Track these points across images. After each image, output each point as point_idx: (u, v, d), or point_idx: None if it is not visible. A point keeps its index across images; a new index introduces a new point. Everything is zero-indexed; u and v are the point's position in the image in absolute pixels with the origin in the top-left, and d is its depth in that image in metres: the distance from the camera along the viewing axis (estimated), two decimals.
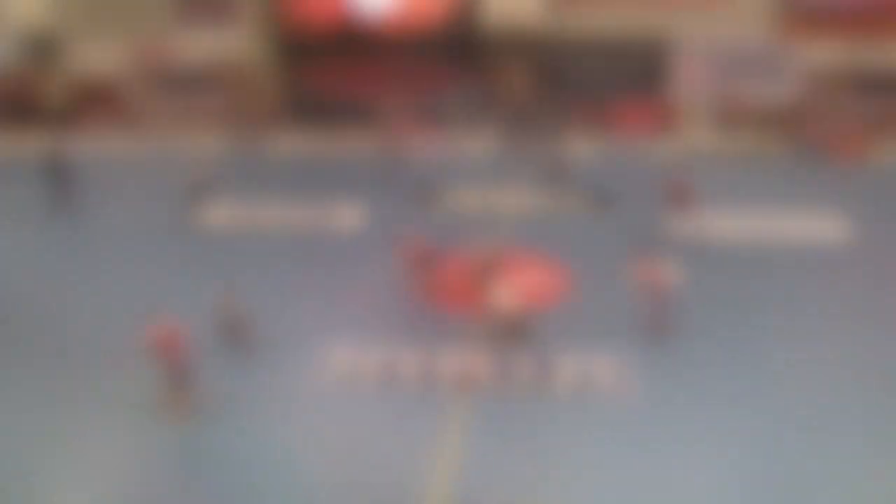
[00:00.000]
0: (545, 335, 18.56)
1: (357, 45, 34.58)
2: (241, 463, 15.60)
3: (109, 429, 16.83)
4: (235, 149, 33.66)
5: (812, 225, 25.08)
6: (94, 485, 15.46)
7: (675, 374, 17.82)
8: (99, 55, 36.23)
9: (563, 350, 18.30)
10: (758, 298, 21.07)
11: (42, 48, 36.97)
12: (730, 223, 25.16)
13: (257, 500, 14.76)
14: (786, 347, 18.86)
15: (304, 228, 26.23)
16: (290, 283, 22.67)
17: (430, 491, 14.36)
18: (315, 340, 19.58)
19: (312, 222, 26.64)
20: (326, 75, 35.24)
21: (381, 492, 14.72)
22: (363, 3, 34.12)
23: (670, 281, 19.39)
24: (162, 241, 25.63)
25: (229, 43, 35.37)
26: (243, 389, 17.91)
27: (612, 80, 33.69)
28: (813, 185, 28.22)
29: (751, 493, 14.68)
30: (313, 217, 26.95)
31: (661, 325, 18.88)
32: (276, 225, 26.57)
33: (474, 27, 33.77)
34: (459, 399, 16.93)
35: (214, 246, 25.61)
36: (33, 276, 23.41)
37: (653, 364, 17.98)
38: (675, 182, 24.06)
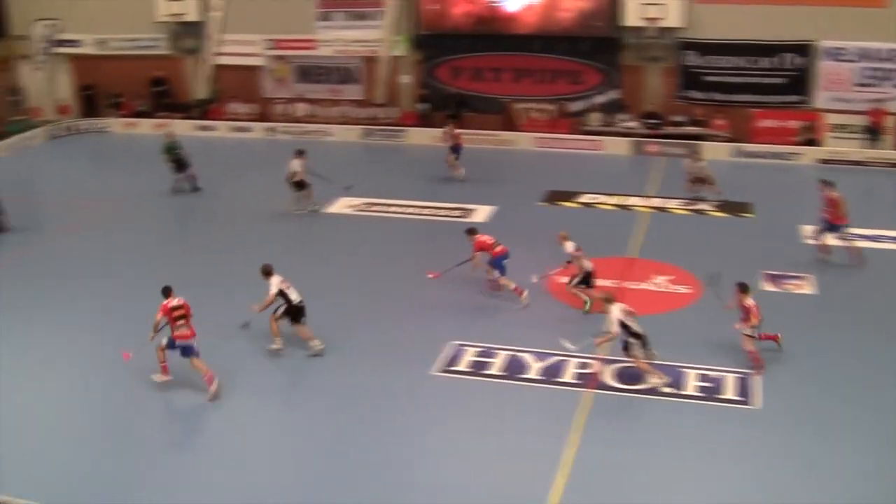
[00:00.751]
0: (672, 341, 18.40)
1: (494, 42, 34.88)
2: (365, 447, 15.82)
3: None
4: (371, 141, 34.47)
5: None
6: None
7: (803, 386, 17.00)
8: (243, 47, 37.45)
9: (689, 357, 18.18)
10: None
11: (190, 38, 38.16)
12: (871, 234, 24.31)
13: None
14: None
15: (435, 221, 26.46)
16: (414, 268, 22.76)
17: (546, 495, 14.34)
18: (438, 331, 19.78)
19: (444, 215, 26.90)
20: (464, 71, 35.63)
21: (499, 490, 14.74)
22: (504, 0, 34.38)
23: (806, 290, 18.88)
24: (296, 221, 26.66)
25: (369, 36, 35.97)
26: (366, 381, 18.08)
27: (754, 84, 33.16)
28: None
29: None
30: (444, 211, 27.19)
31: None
32: (404, 215, 26.99)
33: (614, 26, 33.46)
34: (582, 400, 16.92)
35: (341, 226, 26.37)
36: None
37: (780, 375, 17.73)
38: (822, 190, 23.35)
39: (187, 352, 17.38)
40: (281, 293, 18.40)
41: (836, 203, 22.60)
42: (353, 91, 37.27)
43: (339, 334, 19.46)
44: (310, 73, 37.77)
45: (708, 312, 19.58)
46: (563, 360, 17.97)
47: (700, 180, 27.54)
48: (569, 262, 20.69)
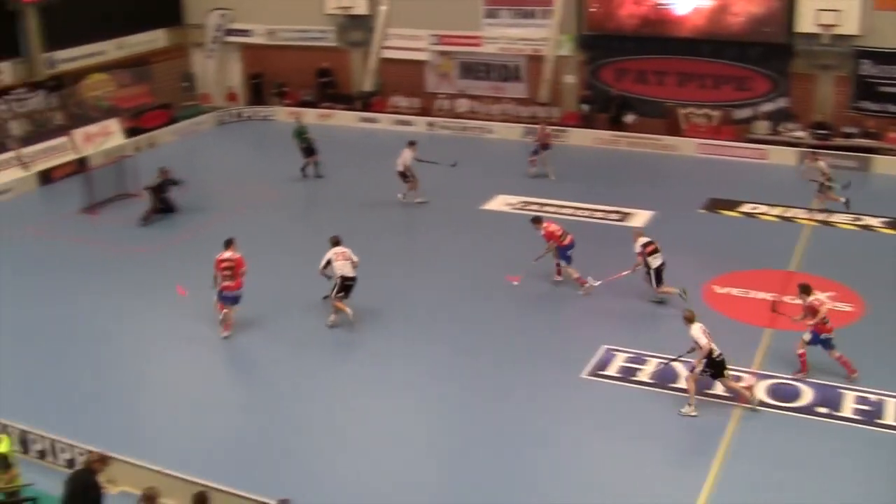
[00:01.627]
0: (831, 361, 17.82)
1: (661, 44, 34.50)
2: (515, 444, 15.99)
3: None
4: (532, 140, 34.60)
5: None
6: None
7: None
8: (408, 42, 38.10)
9: (847, 378, 17.61)
10: None
11: (357, 31, 39.05)
12: None
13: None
14: None
15: (591, 223, 26.32)
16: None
17: None
18: (592, 334, 19.74)
19: (601, 217, 26.77)
20: (628, 73, 35.39)
21: (642, 499, 14.59)
22: (671, 3, 33.95)
23: None
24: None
25: (535, 35, 36.05)
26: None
27: None
28: None
29: None
30: (601, 214, 27.04)
31: None
32: (560, 215, 26.61)
33: (786, 32, 32.50)
34: (733, 415, 16.61)
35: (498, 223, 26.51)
36: None
37: None
38: None
39: (228, 301, 19.43)
40: (328, 263, 19.77)
41: None
42: (515, 89, 37.34)
43: (494, 328, 19.68)
44: (473, 69, 38.01)
45: (871, 332, 18.99)
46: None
47: (820, 186, 26.70)
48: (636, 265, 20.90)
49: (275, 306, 21.12)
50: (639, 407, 16.99)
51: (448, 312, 21.01)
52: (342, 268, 19.68)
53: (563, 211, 27.10)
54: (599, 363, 18.39)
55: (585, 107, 35.49)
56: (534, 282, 22.04)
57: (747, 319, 20.06)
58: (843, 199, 26.35)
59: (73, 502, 12.44)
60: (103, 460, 12.86)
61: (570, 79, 36.17)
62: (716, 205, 27.48)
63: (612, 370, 18.17)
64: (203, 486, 13.14)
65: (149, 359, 19.55)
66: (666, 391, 17.37)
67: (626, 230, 24.97)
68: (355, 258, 19.86)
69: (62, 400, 17.71)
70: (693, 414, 16.55)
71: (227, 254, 19.55)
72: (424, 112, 38.27)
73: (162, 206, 27.27)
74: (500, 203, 28.11)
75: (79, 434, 15.47)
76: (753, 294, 21.39)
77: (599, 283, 20.79)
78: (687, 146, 33.40)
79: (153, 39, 41.12)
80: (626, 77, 35.29)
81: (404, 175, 27.74)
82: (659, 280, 20.72)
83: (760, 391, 17.15)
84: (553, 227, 21.72)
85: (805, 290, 17.69)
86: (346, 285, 19.79)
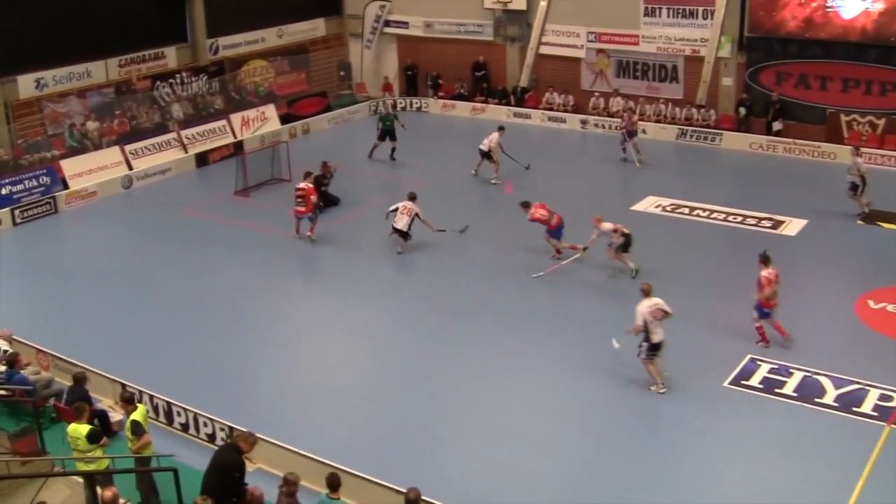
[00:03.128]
0: None
1: (825, 49, 33.51)
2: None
3: None
4: (684, 142, 34.29)
5: None
6: None
7: None
8: (565, 38, 38.04)
9: None
10: None
11: (514, 26, 39.25)
12: None
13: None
14: None
15: (741, 229, 25.87)
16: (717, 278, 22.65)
17: None
18: (738, 342, 19.36)
19: (752, 224, 26.15)
20: (788, 77, 34.52)
21: None
22: (839, 5, 32.84)
23: None
24: None
25: (694, 35, 35.51)
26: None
27: None
28: None
29: None
30: (752, 220, 26.38)
31: None
32: (710, 220, 26.51)
33: None
34: (882, 435, 16.06)
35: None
36: None
37: None
38: None
39: (309, 219, 24.36)
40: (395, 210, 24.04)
41: None
42: (671, 90, 36.79)
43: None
44: (629, 68, 37.58)
45: None
46: (863, 390, 17.14)
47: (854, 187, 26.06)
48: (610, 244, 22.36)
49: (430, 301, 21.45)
50: (779, 420, 16.63)
51: (591, 314, 20.94)
52: (398, 220, 23.01)
53: (714, 216, 26.58)
54: (742, 372, 18.01)
55: (743, 110, 34.69)
56: (682, 286, 21.74)
57: None
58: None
59: (216, 477, 12.82)
60: (250, 441, 13.15)
61: (727, 81, 35.41)
62: (875, 216, 26.48)
63: (754, 380, 17.80)
64: (336, 468, 13.39)
65: (290, 340, 20.16)
66: (810, 406, 16.88)
67: (777, 238, 24.47)
68: (417, 214, 23.31)
69: (206, 375, 18.39)
70: (661, 391, 17.31)
71: (302, 184, 24.10)
72: (577, 110, 38.03)
73: (322, 200, 26.83)
74: (649, 204, 27.76)
75: (218, 408, 16.06)
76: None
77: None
78: (848, 155, 32.18)
79: (312, 28, 42.20)
80: (786, 81, 34.33)
81: (489, 155, 29.59)
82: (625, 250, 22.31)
83: None
84: (540, 213, 23.03)
85: (764, 260, 18.56)
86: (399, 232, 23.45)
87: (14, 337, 18.38)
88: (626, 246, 22.23)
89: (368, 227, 25.92)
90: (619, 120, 33.69)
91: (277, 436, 15.13)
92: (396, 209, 23.80)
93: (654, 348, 17.17)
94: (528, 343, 19.62)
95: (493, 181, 29.45)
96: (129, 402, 14.35)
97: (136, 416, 13.90)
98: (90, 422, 13.76)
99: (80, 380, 15.75)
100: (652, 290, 17.38)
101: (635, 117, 32.15)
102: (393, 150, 32.25)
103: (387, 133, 31.91)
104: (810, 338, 19.35)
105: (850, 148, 28.08)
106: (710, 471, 15.26)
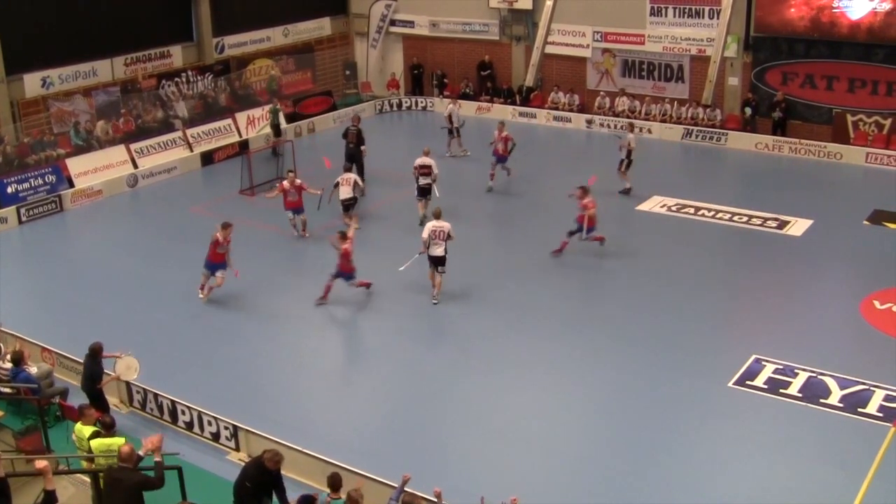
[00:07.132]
0: None
1: (832, 48, 33.42)
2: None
3: None
4: (690, 142, 34.24)
5: None
6: None
7: None
8: (571, 38, 38.01)
9: None
10: None
11: (520, 25, 39.28)
12: None
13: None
14: None
15: (746, 229, 25.82)
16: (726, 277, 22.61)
17: None
18: (742, 342, 19.33)
19: (757, 224, 26.07)
20: (795, 76, 34.44)
21: None
22: (846, 5, 32.72)
23: None
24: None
25: (700, 35, 35.44)
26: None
27: None
28: None
29: None
30: (757, 220, 26.30)
31: None
32: (714, 220, 26.43)
33: None
34: (887, 436, 15.97)
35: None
36: None
37: None
38: None
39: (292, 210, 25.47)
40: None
41: None
42: (677, 89, 36.73)
43: (640, 330, 19.52)
44: (635, 67, 37.54)
45: None
46: (868, 391, 17.11)
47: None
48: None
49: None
50: (784, 421, 16.61)
51: (592, 314, 20.92)
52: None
53: (720, 216, 26.55)
54: (746, 372, 17.98)
55: (748, 110, 34.63)
56: (684, 285, 21.72)
57: None
58: None
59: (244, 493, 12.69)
60: (275, 460, 12.65)
61: (733, 81, 35.35)
62: (881, 217, 26.42)
63: (758, 381, 17.76)
64: (355, 473, 13.40)
65: (296, 341, 20.24)
66: (814, 407, 16.85)
67: (782, 238, 24.46)
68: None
69: (212, 374, 18.45)
70: (434, 301, 20.85)
71: (298, 181, 24.87)
72: (583, 109, 37.99)
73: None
74: (655, 203, 27.74)
75: (223, 407, 16.10)
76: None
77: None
78: (854, 155, 32.21)
79: (318, 28, 42.20)
80: (792, 81, 34.27)
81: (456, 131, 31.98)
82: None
83: None
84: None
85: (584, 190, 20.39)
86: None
87: (19, 335, 18.41)
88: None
89: (370, 227, 25.90)
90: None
91: (282, 436, 15.14)
92: (338, 183, 25.36)
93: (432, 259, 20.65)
94: (528, 343, 19.61)
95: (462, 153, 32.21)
96: (108, 427, 13.85)
97: (96, 441, 13.52)
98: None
99: (96, 350, 16.03)
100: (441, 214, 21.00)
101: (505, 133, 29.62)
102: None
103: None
104: (815, 338, 19.33)
105: (626, 123, 30.40)
106: (714, 471, 15.24)
